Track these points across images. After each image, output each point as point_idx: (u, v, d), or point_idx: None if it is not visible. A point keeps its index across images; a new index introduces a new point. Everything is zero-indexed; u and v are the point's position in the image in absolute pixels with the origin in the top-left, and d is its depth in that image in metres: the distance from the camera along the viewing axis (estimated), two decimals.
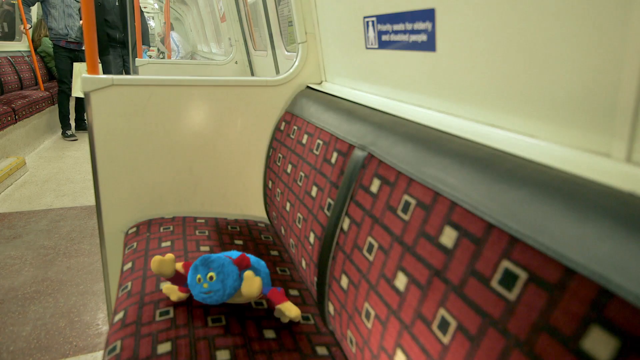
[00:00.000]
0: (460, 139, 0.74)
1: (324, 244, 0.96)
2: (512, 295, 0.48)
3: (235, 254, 1.02)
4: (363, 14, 1.09)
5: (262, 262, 1.03)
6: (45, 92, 4.78)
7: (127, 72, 4.98)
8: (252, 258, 1.01)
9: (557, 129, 0.62)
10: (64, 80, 4.69)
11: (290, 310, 0.90)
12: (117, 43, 4.84)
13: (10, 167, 3.29)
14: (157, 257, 0.91)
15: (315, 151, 1.14)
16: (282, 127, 1.43)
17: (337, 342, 0.92)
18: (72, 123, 5.01)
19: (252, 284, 0.87)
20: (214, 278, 0.88)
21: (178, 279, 0.95)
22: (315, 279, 1.00)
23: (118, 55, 4.92)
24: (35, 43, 5.24)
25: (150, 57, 5.25)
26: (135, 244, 1.27)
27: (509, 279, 0.49)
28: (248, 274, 0.89)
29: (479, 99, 0.77)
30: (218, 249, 1.24)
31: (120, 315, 0.94)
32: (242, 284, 0.89)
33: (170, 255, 0.92)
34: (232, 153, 1.50)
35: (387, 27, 1.00)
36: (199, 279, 0.89)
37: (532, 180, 0.54)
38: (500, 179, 0.57)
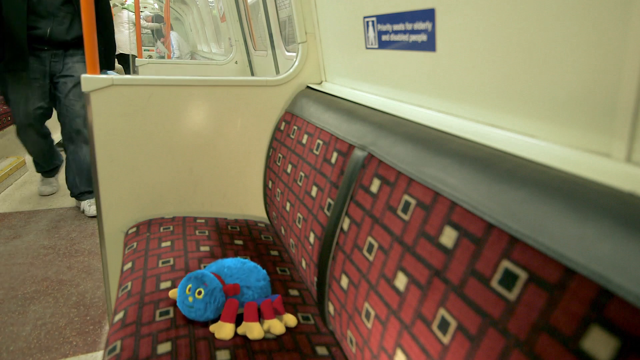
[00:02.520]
0: (460, 139, 0.74)
1: (324, 244, 0.96)
2: (512, 295, 0.48)
3: (235, 261, 1.01)
4: (363, 14, 1.09)
5: (262, 272, 1.01)
6: None
7: (58, 104, 2.64)
8: (247, 267, 1.00)
9: (557, 129, 0.62)
10: None
11: (275, 327, 0.90)
12: (42, 46, 2.53)
13: (10, 167, 3.29)
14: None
15: (315, 151, 1.14)
16: (282, 127, 1.43)
17: (337, 342, 0.92)
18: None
19: (251, 330, 0.88)
20: (202, 295, 0.89)
21: None
22: (315, 279, 1.00)
23: (40, 69, 2.54)
24: None
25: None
26: (135, 244, 1.27)
27: (509, 279, 0.49)
28: (250, 324, 0.89)
29: (479, 99, 0.77)
30: (218, 249, 1.24)
31: (120, 315, 0.94)
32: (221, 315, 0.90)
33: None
34: (232, 153, 1.50)
35: (387, 27, 1.00)
36: (189, 289, 0.90)
37: (532, 180, 0.54)
38: (500, 179, 0.57)
